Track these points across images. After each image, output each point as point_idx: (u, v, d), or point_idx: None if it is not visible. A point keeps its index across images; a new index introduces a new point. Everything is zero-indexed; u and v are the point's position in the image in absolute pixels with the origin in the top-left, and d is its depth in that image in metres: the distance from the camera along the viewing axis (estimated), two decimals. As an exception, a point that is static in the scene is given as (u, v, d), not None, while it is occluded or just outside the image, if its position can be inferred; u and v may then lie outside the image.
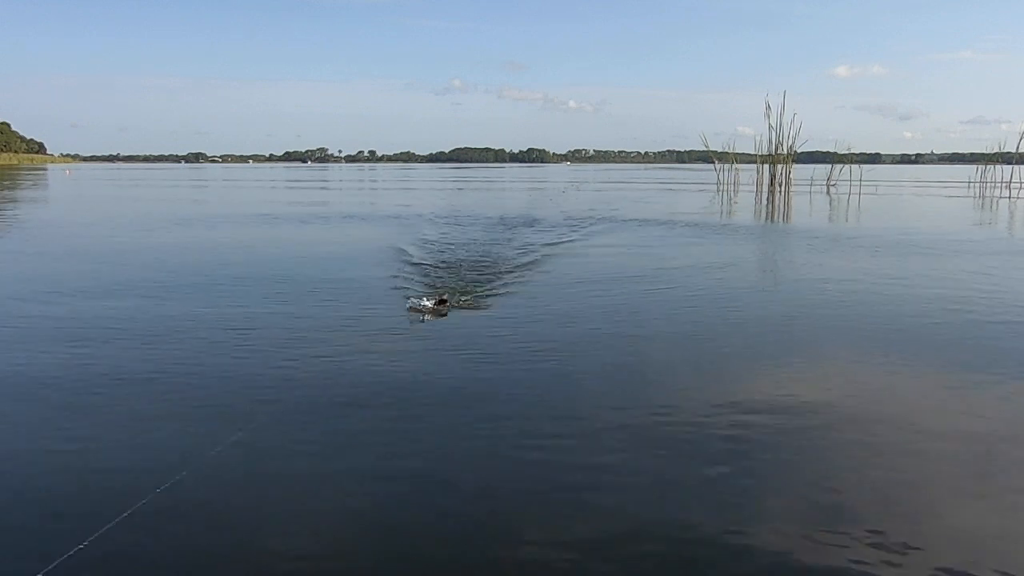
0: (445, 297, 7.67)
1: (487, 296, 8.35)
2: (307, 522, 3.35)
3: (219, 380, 5.27)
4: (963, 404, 4.93)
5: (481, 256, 11.71)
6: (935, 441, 4.29)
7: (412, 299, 7.63)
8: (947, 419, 4.66)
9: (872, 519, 3.32)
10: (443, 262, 11.03)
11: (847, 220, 20.87)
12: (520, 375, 5.44)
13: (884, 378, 5.50)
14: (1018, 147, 36.80)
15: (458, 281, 9.23)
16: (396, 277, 9.61)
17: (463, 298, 8.05)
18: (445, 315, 7.28)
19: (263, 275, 9.95)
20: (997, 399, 5.02)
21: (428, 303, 7.39)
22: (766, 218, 21.95)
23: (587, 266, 11.30)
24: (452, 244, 13.38)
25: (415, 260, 11.22)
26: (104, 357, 5.85)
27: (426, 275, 9.77)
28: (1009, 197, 31.34)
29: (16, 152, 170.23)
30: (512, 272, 10.08)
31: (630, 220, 19.28)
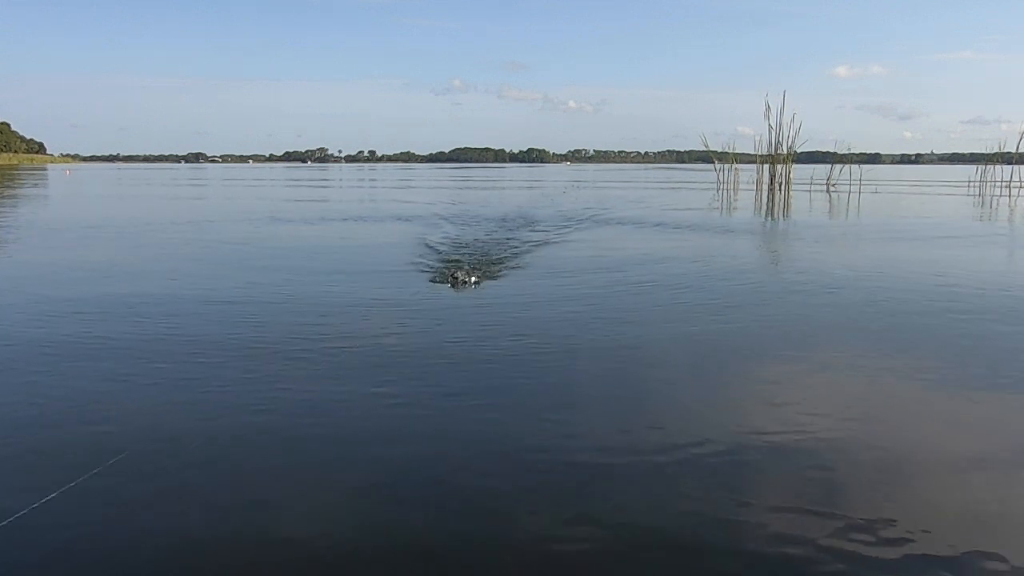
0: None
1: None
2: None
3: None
4: (978, 405, 4.88)
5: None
6: (944, 443, 4.23)
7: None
8: (959, 421, 4.60)
9: (877, 515, 3.28)
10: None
11: (847, 218, 20.83)
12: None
13: (894, 374, 5.45)
14: (1018, 147, 36.64)
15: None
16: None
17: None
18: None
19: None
20: (1005, 396, 4.96)
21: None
22: (765, 216, 21.91)
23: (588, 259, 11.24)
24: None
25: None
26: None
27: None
28: (1009, 197, 31.25)
29: (16, 152, 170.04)
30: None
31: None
